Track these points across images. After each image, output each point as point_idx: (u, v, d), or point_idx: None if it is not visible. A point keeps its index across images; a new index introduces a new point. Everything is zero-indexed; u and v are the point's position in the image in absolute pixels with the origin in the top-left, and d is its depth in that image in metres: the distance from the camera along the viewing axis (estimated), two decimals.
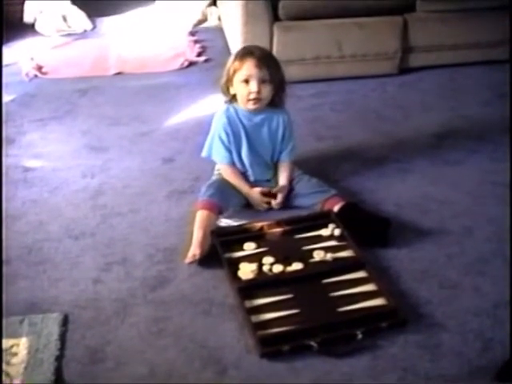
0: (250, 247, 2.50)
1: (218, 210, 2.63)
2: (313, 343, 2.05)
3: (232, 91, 2.68)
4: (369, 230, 2.55)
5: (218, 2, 4.82)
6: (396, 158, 3.11)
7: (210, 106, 3.58)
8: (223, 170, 2.78)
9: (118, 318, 2.21)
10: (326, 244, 2.52)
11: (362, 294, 2.28)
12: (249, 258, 2.44)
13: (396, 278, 2.38)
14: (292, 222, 2.62)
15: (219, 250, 2.46)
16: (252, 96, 2.62)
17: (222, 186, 2.72)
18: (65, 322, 2.19)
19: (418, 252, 2.51)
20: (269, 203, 2.73)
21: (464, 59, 4.02)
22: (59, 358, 2.05)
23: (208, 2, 4.89)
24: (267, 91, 2.64)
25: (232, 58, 2.69)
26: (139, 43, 4.49)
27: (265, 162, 2.80)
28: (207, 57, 4.26)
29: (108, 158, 3.15)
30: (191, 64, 4.18)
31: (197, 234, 2.51)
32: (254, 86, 2.60)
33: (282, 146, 2.79)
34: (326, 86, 3.83)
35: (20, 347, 2.08)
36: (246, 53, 2.65)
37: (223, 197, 2.66)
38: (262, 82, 2.61)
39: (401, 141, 3.27)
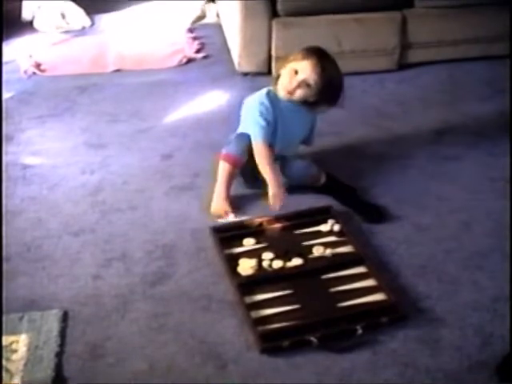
0: (249, 243, 2.50)
1: (239, 164, 2.69)
2: (313, 339, 2.06)
3: (280, 71, 2.70)
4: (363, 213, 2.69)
5: None
6: (395, 154, 3.11)
7: (209, 103, 3.58)
8: (257, 148, 2.65)
9: (118, 314, 2.22)
10: (325, 239, 2.53)
11: (362, 289, 2.29)
12: (248, 254, 2.45)
13: (395, 273, 2.38)
14: (291, 218, 2.62)
15: (218, 246, 2.46)
16: (288, 87, 2.64)
17: (246, 139, 2.69)
18: (64, 318, 2.19)
19: (417, 247, 2.51)
20: None
21: (463, 55, 4.01)
22: (59, 355, 2.05)
23: None
24: (303, 93, 2.66)
25: (306, 50, 2.69)
26: (138, 40, 4.48)
27: (292, 149, 2.85)
28: (206, 53, 4.25)
29: (107, 154, 3.15)
30: (190, 61, 4.17)
31: (220, 190, 2.69)
32: (295, 80, 2.62)
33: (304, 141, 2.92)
34: None
35: (20, 344, 2.08)
36: (316, 52, 2.67)
37: (246, 150, 2.68)
38: (305, 84, 2.63)
39: (400, 136, 3.27)
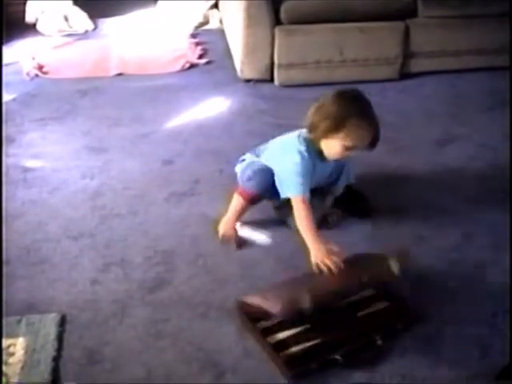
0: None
1: (256, 201, 2.58)
2: (338, 357, 2.01)
3: (322, 142, 2.45)
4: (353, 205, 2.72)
5: (220, 5, 4.82)
6: (396, 164, 3.11)
7: (211, 109, 3.59)
8: (297, 205, 2.40)
9: (116, 320, 2.21)
10: None
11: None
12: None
13: (395, 284, 2.37)
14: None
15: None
16: (338, 156, 2.48)
17: (268, 176, 2.51)
18: (62, 322, 2.18)
19: (416, 258, 2.50)
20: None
21: (466, 65, 4.02)
22: (56, 359, 2.04)
23: (210, 4, 4.90)
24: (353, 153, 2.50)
25: (347, 109, 2.42)
26: (140, 44, 4.49)
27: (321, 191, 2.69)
28: (208, 59, 4.26)
29: (108, 159, 3.14)
30: (192, 66, 4.18)
31: (229, 219, 2.59)
32: (353, 153, 2.47)
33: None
34: (327, 89, 3.80)
35: (17, 347, 2.07)
36: (368, 120, 2.42)
37: (269, 189, 2.51)
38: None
39: (401, 146, 3.27)
